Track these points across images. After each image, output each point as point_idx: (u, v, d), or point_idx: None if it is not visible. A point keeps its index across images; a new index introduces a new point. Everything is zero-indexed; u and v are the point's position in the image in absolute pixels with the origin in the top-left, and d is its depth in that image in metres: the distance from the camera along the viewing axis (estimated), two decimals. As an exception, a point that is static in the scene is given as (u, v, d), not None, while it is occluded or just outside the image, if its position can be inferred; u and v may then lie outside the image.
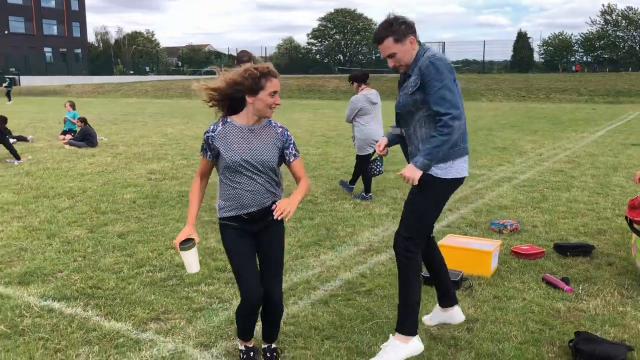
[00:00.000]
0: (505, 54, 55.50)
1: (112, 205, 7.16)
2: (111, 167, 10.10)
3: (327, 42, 79.08)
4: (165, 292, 4.35)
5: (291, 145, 3.02)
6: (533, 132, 16.15)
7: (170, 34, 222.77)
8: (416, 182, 3.07)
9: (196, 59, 73.07)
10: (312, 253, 5.32)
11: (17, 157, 10.70)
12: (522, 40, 66.81)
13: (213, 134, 2.91)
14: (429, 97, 3.01)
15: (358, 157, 7.64)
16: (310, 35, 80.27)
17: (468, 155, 3.23)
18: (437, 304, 3.58)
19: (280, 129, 3.01)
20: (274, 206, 2.80)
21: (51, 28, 75.53)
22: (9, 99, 36.59)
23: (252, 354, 3.23)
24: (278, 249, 3.11)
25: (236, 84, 2.85)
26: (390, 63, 3.19)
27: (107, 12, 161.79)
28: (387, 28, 3.09)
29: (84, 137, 13.18)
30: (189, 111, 26.00)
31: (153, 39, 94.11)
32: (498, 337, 3.59)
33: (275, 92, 2.87)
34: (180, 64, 79.16)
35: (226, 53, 68.89)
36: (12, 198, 7.59)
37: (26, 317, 3.89)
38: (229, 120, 2.95)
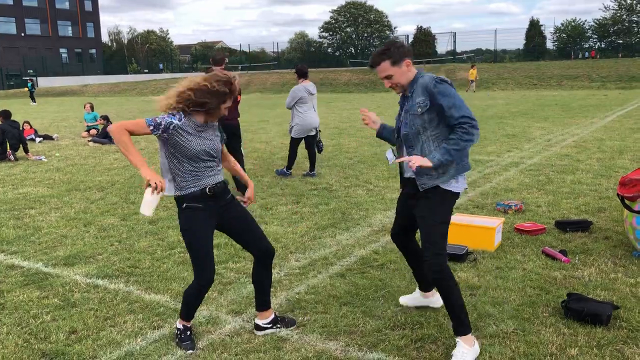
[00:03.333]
0: (517, 42, 55.31)
1: (140, 196, 7.64)
2: (135, 162, 10.59)
3: (338, 36, 79.29)
4: (197, 269, 4.80)
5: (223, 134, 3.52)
6: (543, 119, 16.40)
7: (182, 31, 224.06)
8: (414, 168, 3.18)
9: (209, 56, 73.75)
10: (329, 234, 5.74)
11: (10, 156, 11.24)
12: (534, 28, 66.39)
13: (179, 123, 3.22)
14: (451, 107, 3.15)
15: (292, 140, 8.71)
16: (321, 29, 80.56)
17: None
18: (418, 288, 3.90)
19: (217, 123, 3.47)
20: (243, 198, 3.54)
21: (66, 29, 76.56)
22: (33, 100, 37.43)
23: (189, 333, 3.51)
24: (248, 213, 3.54)
25: (203, 99, 3.22)
26: (387, 84, 3.38)
27: (120, 12, 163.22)
28: (384, 52, 3.30)
29: (107, 134, 13.70)
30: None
31: (167, 37, 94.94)
32: (498, 300, 3.99)
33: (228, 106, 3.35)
34: (192, 61, 79.85)
35: (238, 49, 69.35)
36: (47, 192, 8.11)
37: (75, 292, 4.36)
38: (190, 114, 3.28)
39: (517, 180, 8.02)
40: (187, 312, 3.49)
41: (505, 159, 9.78)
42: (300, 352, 3.36)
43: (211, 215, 3.37)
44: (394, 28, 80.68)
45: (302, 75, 8.67)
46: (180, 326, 3.53)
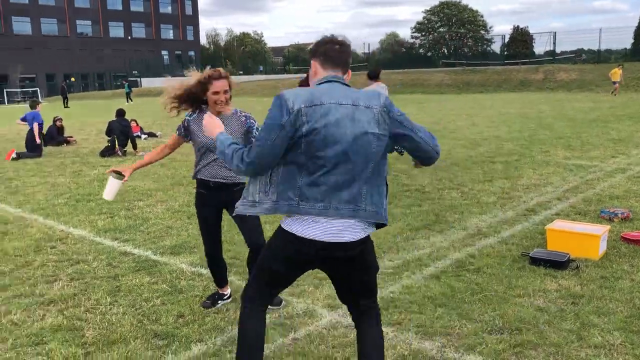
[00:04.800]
0: (624, 41, 51.78)
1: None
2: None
3: (431, 36, 78.14)
4: (293, 264, 4.95)
5: (254, 130, 3.79)
6: (653, 123, 15.33)
7: (275, 34, 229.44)
8: None
9: (301, 57, 74.98)
10: (422, 235, 5.72)
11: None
12: (644, 25, 62.00)
13: (190, 119, 3.78)
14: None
15: None
16: (414, 29, 79.77)
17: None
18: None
19: (244, 117, 3.79)
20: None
21: (168, 32, 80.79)
22: (128, 100, 40.17)
23: (216, 296, 4.15)
24: None
25: (190, 91, 3.69)
26: None
27: (217, 15, 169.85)
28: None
29: (206, 132, 14.35)
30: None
31: (261, 39, 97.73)
32: (604, 311, 3.82)
33: (217, 92, 3.62)
34: (284, 63, 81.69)
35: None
36: (154, 185, 8.64)
37: (182, 279, 4.64)
38: (204, 109, 3.76)
39: (624, 187, 7.58)
40: (213, 279, 4.16)
41: (610, 165, 9.26)
42: (396, 350, 3.40)
43: (214, 203, 3.83)
44: (489, 28, 78.36)
45: (373, 77, 8.94)
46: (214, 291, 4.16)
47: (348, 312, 2.80)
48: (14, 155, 12.02)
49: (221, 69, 3.72)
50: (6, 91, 58.93)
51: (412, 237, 5.65)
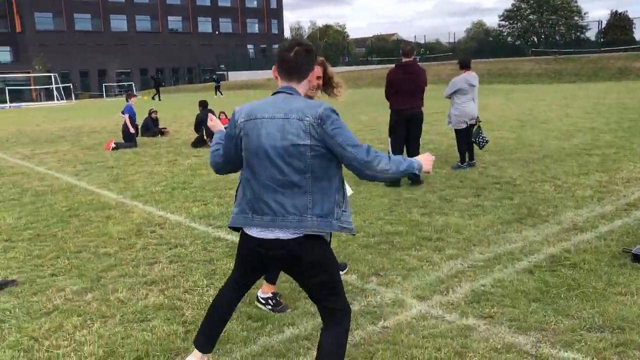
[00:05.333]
0: None
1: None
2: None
3: (519, 24, 75.04)
4: (380, 253, 4.98)
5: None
6: None
7: (357, 25, 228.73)
8: None
9: (385, 49, 74.40)
10: (514, 229, 5.55)
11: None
12: None
13: None
14: None
15: (455, 132, 8.71)
16: (501, 17, 76.92)
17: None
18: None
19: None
20: None
21: (253, 26, 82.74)
22: (216, 93, 41.57)
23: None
24: None
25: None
26: None
27: (301, 8, 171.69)
28: None
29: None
30: (378, 99, 26.90)
31: (343, 31, 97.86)
32: None
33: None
34: (367, 54, 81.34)
35: (413, 41, 69.04)
36: (242, 174, 8.93)
37: (272, 265, 4.79)
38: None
39: None
40: None
41: None
42: (488, 342, 3.35)
43: None
44: (584, 14, 74.12)
45: (464, 66, 8.61)
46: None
47: (439, 303, 2.80)
48: (112, 145, 12.79)
49: (318, 57, 3.70)
50: (105, 85, 62.64)
51: (503, 231, 5.51)
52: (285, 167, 2.53)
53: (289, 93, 2.63)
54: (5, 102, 48.04)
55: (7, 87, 52.86)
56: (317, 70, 3.75)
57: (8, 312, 4.01)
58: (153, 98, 41.16)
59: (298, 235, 2.58)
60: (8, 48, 67.16)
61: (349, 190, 3.60)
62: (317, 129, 2.50)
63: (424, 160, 2.82)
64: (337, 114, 2.57)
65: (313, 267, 2.64)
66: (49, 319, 3.88)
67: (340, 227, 2.65)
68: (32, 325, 3.78)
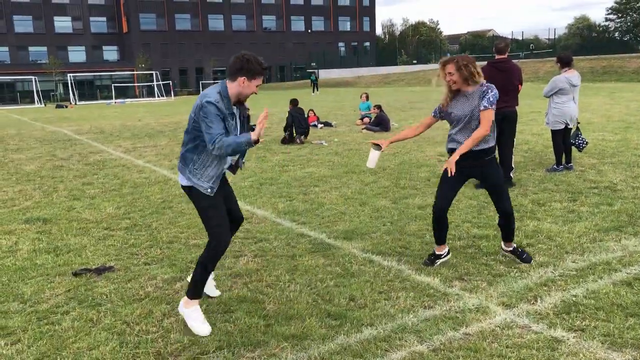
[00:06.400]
0: None
1: (409, 182, 7.97)
2: (405, 149, 11.06)
3: (629, 17, 70.15)
4: (466, 257, 4.83)
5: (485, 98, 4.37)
6: None
7: (450, 20, 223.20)
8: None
9: (479, 45, 72.21)
10: (612, 237, 5.21)
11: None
12: None
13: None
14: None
15: (552, 132, 8.24)
16: (609, 11, 72.31)
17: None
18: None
19: (484, 87, 4.41)
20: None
21: (345, 24, 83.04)
22: (314, 90, 41.96)
23: (442, 255, 4.72)
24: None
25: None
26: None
27: (395, 4, 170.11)
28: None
29: (379, 122, 14.54)
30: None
31: (437, 27, 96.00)
32: None
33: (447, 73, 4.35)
34: (461, 50, 79.20)
35: (510, 37, 66.45)
36: (328, 172, 9.00)
37: (354, 264, 4.79)
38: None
39: None
40: (433, 235, 4.68)
41: None
42: (578, 357, 3.16)
43: (458, 168, 4.39)
44: None
45: (566, 64, 8.13)
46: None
47: (526, 312, 2.67)
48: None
49: (449, 56, 4.43)
50: (202, 83, 65.38)
51: (599, 239, 5.18)
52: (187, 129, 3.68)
53: (216, 83, 3.70)
54: (111, 97, 51.34)
55: (113, 84, 56.51)
56: (448, 68, 4.31)
57: (105, 297, 4.28)
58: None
59: (186, 184, 3.73)
60: (115, 47, 71.77)
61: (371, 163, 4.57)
62: (197, 111, 3.54)
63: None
64: (213, 106, 3.47)
65: (197, 208, 3.81)
66: (141, 305, 4.11)
67: (189, 180, 3.70)
68: (125, 310, 4.02)
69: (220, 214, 3.72)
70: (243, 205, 7.01)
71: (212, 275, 4.16)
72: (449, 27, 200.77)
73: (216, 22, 73.89)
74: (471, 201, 6.73)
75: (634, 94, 23.08)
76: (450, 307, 3.89)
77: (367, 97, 17.29)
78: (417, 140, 12.24)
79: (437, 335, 3.48)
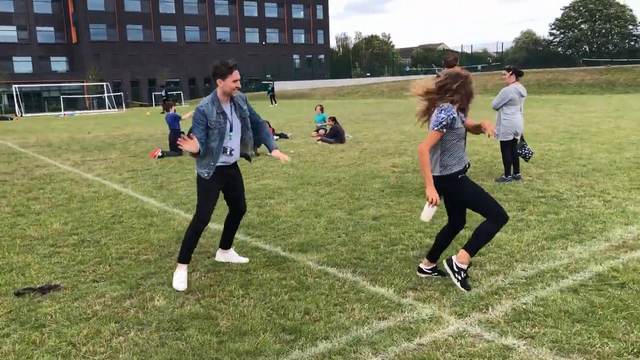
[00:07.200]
0: None
1: (364, 193, 8.01)
2: (359, 161, 11.14)
3: (571, 33, 73.13)
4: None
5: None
6: None
7: (402, 34, 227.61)
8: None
9: (430, 59, 73.82)
10: (559, 245, 5.36)
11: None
12: None
13: (455, 115, 4.22)
14: None
15: (501, 144, 8.47)
16: (552, 26, 75.15)
17: None
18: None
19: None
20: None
21: (299, 37, 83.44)
22: (272, 102, 41.82)
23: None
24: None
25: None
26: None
27: (348, 17, 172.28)
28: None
29: (334, 134, 14.61)
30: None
31: (389, 41, 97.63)
32: None
33: None
34: (412, 64, 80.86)
35: (459, 50, 68.19)
36: (283, 184, 8.96)
37: (309, 276, 4.76)
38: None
39: None
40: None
41: None
42: (528, 364, 3.22)
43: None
44: (639, 22, 71.56)
45: (519, 75, 8.41)
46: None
47: (478, 321, 2.70)
48: (158, 153, 13.07)
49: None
50: (154, 94, 64.31)
51: (547, 247, 5.33)
52: None
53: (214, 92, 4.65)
54: (60, 109, 49.90)
55: (62, 96, 54.95)
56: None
57: (49, 317, 4.11)
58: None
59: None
60: (64, 58, 69.90)
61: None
62: None
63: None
64: (198, 112, 4.50)
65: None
66: (88, 324, 3.96)
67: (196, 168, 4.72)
68: (71, 331, 3.86)
69: (209, 197, 4.67)
70: (196, 219, 6.88)
71: (232, 248, 5.24)
72: (401, 40, 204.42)
73: (169, 34, 72.99)
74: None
75: (577, 106, 24.02)
76: (404, 318, 3.90)
77: (322, 109, 17.37)
78: (371, 152, 12.36)
79: (392, 347, 3.49)
